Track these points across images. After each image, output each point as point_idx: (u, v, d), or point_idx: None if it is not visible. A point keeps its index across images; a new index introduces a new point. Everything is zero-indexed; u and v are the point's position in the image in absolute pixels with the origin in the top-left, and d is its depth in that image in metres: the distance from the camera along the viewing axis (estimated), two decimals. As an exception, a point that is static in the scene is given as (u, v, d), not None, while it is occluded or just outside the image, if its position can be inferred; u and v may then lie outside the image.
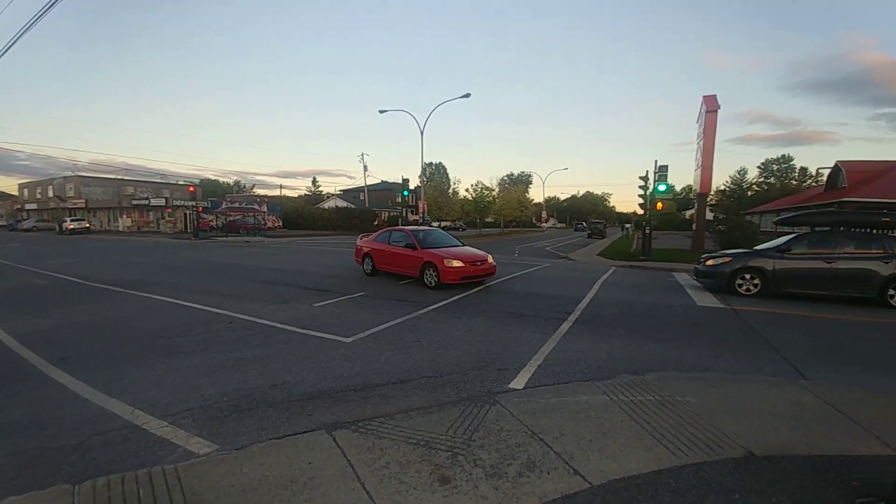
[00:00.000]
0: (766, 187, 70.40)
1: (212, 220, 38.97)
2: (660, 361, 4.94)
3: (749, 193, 71.37)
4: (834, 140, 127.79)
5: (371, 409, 3.58)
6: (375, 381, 4.25)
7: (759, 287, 9.47)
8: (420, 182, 34.05)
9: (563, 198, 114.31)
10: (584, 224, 50.47)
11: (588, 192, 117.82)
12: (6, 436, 3.11)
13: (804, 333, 6.51)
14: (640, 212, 21.81)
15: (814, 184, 59.86)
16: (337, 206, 56.58)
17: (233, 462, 2.76)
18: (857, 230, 9.28)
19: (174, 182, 59.70)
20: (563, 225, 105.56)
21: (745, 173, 77.39)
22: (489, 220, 55.54)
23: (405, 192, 33.94)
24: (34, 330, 5.90)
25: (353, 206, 57.42)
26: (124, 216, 46.55)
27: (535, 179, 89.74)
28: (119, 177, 56.55)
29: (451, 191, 48.03)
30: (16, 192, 64.66)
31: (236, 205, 45.05)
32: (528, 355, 5.05)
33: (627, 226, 52.94)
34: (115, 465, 2.74)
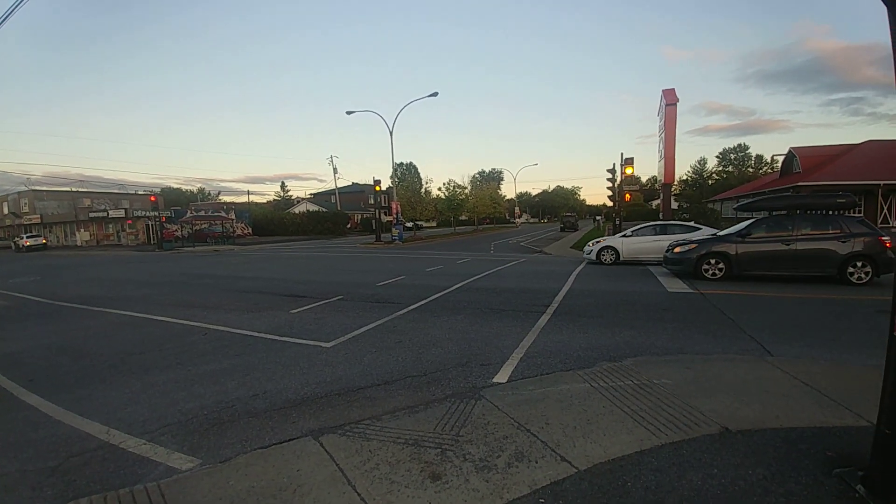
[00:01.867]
0: (725, 176, 73.61)
1: (177, 230, 37.60)
2: (636, 347, 5.11)
3: (710, 182, 74.47)
4: (787, 128, 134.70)
5: (357, 412, 3.56)
6: (360, 383, 4.23)
7: (723, 271, 9.91)
8: (392, 183, 33.86)
9: (534, 193, 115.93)
10: (574, 217, 50.80)
11: (559, 186, 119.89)
12: None
13: (768, 313, 6.87)
14: (610, 204, 22.39)
15: (769, 170, 62.96)
16: (308, 211, 55.59)
17: (218, 475, 2.69)
18: (814, 212, 9.84)
19: (133, 192, 57.16)
20: (536, 220, 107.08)
21: (705, 163, 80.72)
22: (463, 218, 55.77)
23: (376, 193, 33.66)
24: (-7, 354, 5.57)
25: (324, 209, 56.57)
26: (82, 230, 44.34)
27: (506, 176, 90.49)
28: (74, 189, 53.70)
29: (423, 190, 47.83)
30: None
31: (202, 213, 43.60)
32: (509, 349, 5.13)
33: (598, 218, 54.29)
34: (94, 486, 2.63)
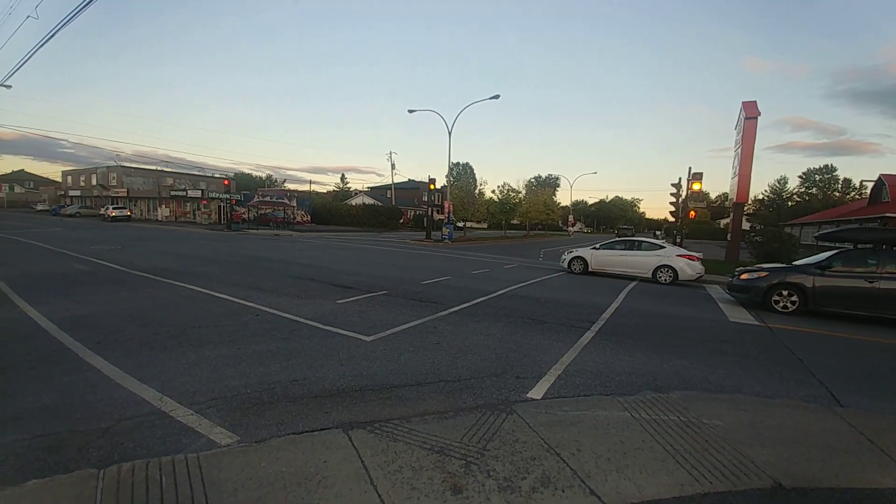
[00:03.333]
0: (807, 198, 67.30)
1: (244, 213, 40.22)
2: (686, 379, 4.77)
3: (789, 204, 68.36)
4: (878, 152, 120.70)
5: (388, 411, 3.60)
6: (393, 382, 4.27)
7: (797, 304, 9.03)
8: (447, 182, 34.10)
9: (591, 202, 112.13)
10: (631, 230, 48.28)
11: (617, 196, 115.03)
12: (36, 419, 3.23)
13: (842, 356, 6.17)
14: (672, 219, 21.14)
15: (857, 196, 56.76)
16: (364, 203, 57.35)
17: (252, 455, 2.82)
18: None
19: (210, 175, 61.95)
20: (591, 230, 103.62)
21: (786, 183, 74.24)
22: (514, 222, 55.10)
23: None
24: (74, 314, 6.21)
25: (379, 203, 58.09)
26: (163, 206, 48.61)
27: (562, 183, 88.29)
28: (159, 168, 59.14)
29: (477, 191, 47.88)
30: (59, 179, 68.46)
31: (268, 198, 46.33)
32: (547, 364, 4.98)
33: (658, 233, 51.54)
34: (140, 451, 2.85)
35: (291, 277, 10.61)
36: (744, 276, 9.92)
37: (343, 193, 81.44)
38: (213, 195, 44.62)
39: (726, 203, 36.02)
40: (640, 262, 13.97)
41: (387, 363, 4.79)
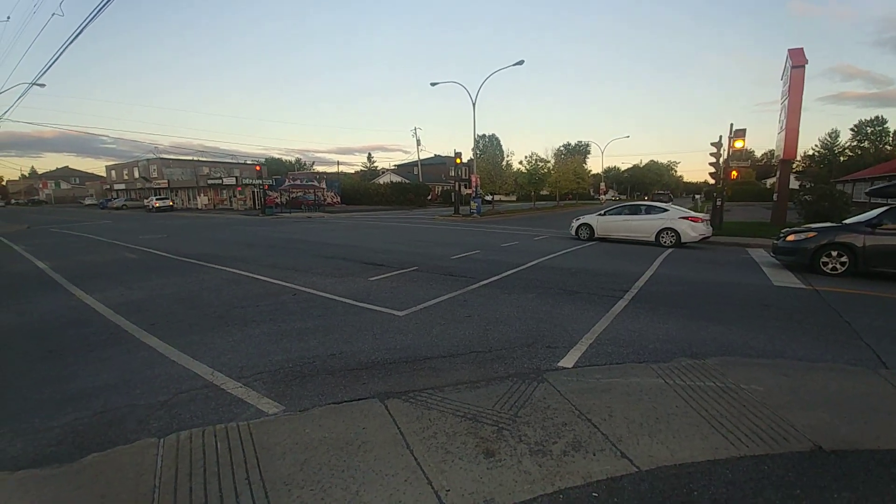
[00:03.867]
0: (859, 152, 62.15)
1: (276, 197, 41.30)
2: (724, 345, 4.66)
3: (841, 159, 63.43)
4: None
5: (421, 381, 3.74)
6: (426, 353, 4.41)
7: (846, 265, 8.53)
8: (473, 155, 33.63)
9: (623, 168, 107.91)
10: (667, 195, 46.06)
11: (652, 161, 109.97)
12: (97, 396, 3.53)
13: (891, 317, 5.83)
14: (713, 181, 20.09)
15: (914, 149, 51.98)
16: (392, 182, 57.57)
17: (297, 422, 3.02)
18: None
19: (243, 162, 63.67)
20: (625, 197, 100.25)
21: (837, 136, 68.64)
22: (544, 192, 53.92)
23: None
24: (127, 300, 6.69)
25: (406, 180, 58.15)
26: (201, 195, 50.58)
27: (593, 149, 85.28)
28: (195, 158, 61.27)
29: (504, 163, 46.95)
30: (104, 174, 72.33)
31: (298, 182, 47.27)
32: (579, 333, 4.98)
33: (698, 196, 49.25)
34: (196, 420, 3.11)
35: (324, 258, 10.93)
36: (790, 238, 9.42)
37: (370, 173, 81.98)
38: (246, 181, 45.99)
39: (773, 161, 33.74)
40: (644, 226, 14.34)
41: (419, 336, 4.93)
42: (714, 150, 18.26)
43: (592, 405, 3.24)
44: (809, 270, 8.87)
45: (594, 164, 78.85)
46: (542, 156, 40.36)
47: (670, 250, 12.76)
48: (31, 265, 10.16)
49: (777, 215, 20.40)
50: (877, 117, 66.02)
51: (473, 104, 29.22)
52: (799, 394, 3.42)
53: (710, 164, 18.47)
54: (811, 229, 9.37)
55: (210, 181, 49.53)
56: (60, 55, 17.02)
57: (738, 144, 17.39)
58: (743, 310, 6.15)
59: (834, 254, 8.66)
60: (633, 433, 2.87)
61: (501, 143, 59.00)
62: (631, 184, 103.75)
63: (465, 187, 33.59)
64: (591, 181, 70.33)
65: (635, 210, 15.02)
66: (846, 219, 10.07)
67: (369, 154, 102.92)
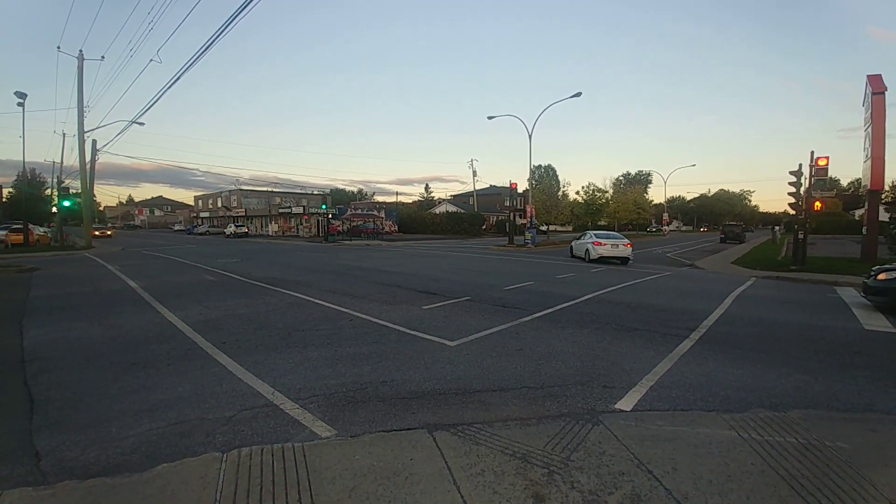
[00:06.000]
0: (971, 181, 54.34)
1: (339, 226, 43.53)
2: (808, 396, 4.17)
3: (949, 188, 55.81)
4: None
5: (470, 415, 3.68)
6: (476, 386, 4.35)
7: None
8: (528, 185, 33.58)
9: (689, 197, 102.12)
10: (739, 227, 41.93)
11: (722, 189, 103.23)
12: (172, 407, 3.81)
13: None
14: (793, 212, 18.42)
15: None
16: (447, 211, 58.71)
17: (348, 448, 3.09)
18: None
19: (311, 192, 68.23)
20: (690, 228, 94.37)
21: (947, 162, 60.53)
22: (602, 223, 52.29)
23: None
24: (205, 318, 7.27)
25: (462, 210, 59.03)
26: (272, 222, 54.55)
27: (655, 179, 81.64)
28: (270, 189, 66.60)
29: (560, 193, 46.33)
30: (192, 203, 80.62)
31: (359, 211, 49.63)
32: (639, 374, 4.68)
33: (777, 228, 45.22)
34: (256, 438, 3.27)
35: (380, 284, 11.26)
36: (881, 277, 8.37)
37: (427, 202, 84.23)
38: (312, 210, 49.05)
39: (860, 191, 30.46)
40: (580, 245, 19.52)
41: (469, 367, 4.89)
42: (794, 178, 16.84)
43: (654, 455, 3.01)
44: None
45: (656, 194, 75.35)
46: (600, 186, 39.42)
47: (747, 286, 11.75)
48: (123, 284, 11.41)
49: (867, 250, 18.20)
50: None
51: (530, 136, 29.45)
52: (885, 450, 2.97)
53: (790, 193, 17.00)
54: None
55: (280, 210, 53.44)
56: (159, 98, 19.58)
57: (822, 163, 15.88)
58: (830, 356, 5.48)
59: None
60: (701, 491, 2.62)
61: (557, 173, 58.38)
62: (698, 214, 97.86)
63: (520, 217, 33.45)
64: (652, 211, 67.21)
65: (581, 235, 20.65)
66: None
67: (426, 184, 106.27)
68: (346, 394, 4.13)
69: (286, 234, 51.36)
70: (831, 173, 16.29)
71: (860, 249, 19.71)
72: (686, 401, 4.04)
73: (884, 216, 27.42)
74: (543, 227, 40.59)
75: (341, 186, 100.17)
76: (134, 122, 25.56)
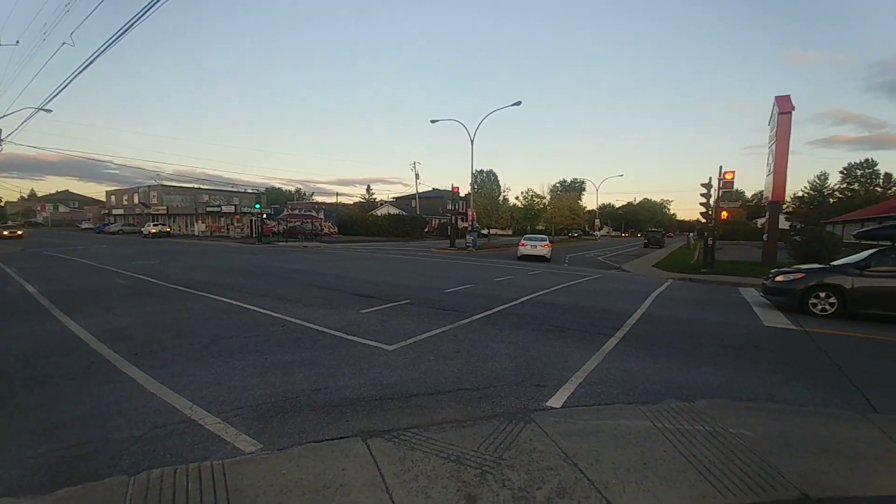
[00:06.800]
0: (849, 194, 63.75)
1: (274, 226, 41.48)
2: (715, 387, 4.61)
3: (831, 200, 64.87)
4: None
5: (406, 419, 3.65)
6: (413, 390, 4.32)
7: (835, 307, 8.58)
8: (470, 190, 34.20)
9: (617, 205, 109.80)
10: (660, 233, 45.81)
11: (646, 199, 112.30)
12: (72, 428, 3.39)
13: (881, 360, 5.85)
14: (704, 220, 20.43)
15: (904, 191, 53.43)
16: (389, 213, 58.18)
17: (274, 462, 2.92)
18: None
19: (243, 190, 64.42)
20: (618, 233, 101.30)
21: (827, 179, 70.59)
22: (540, 227, 54.54)
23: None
24: (113, 327, 6.57)
25: (404, 212, 58.76)
26: (199, 222, 50.74)
27: (588, 187, 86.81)
28: (196, 186, 61.85)
29: (501, 198, 47.70)
30: (103, 199, 72.77)
31: (296, 212, 47.66)
32: (569, 372, 4.92)
33: (690, 234, 49.83)
34: (171, 458, 3.00)
35: (317, 288, 10.87)
36: (779, 278, 9.51)
37: (369, 204, 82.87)
38: (245, 210, 46.29)
39: (762, 202, 34.57)
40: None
41: (407, 372, 4.85)
42: (704, 190, 18.65)
43: (580, 448, 3.17)
44: (798, 311, 8.90)
45: (589, 201, 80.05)
46: (538, 192, 41.13)
47: (663, 287, 12.80)
48: (20, 288, 10.03)
49: (767, 255, 20.65)
50: (867, 160, 68.13)
51: (472, 141, 30.01)
52: (787, 439, 3.36)
53: (702, 203, 18.81)
54: (800, 270, 9.48)
55: (209, 208, 49.85)
56: (69, 83, 17.41)
57: (728, 176, 17.71)
58: (734, 351, 6.12)
59: (822, 295, 8.73)
60: (620, 479, 2.79)
61: (499, 178, 60.04)
62: (625, 220, 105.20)
63: (462, 220, 33.96)
64: (586, 217, 71.33)
65: (533, 238, 24.43)
66: (835, 260, 10.20)
67: (368, 186, 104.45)
68: (275, 404, 3.92)
69: (215, 234, 48.01)
70: (737, 186, 18.35)
71: (761, 254, 22.28)
72: (610, 395, 4.29)
73: (784, 224, 31.23)
74: (485, 231, 41.58)
75: (278, 185, 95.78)
76: (41, 108, 22.57)
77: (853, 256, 9.38)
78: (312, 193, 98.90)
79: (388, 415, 3.74)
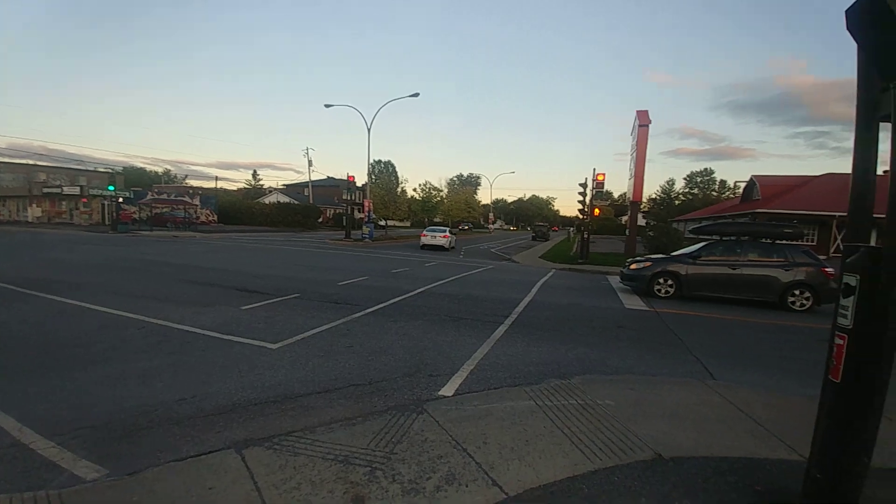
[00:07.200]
0: (690, 197, 76.78)
1: (135, 212, 35.82)
2: (587, 365, 5.13)
3: (676, 202, 77.39)
4: (753, 156, 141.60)
5: (290, 423, 3.38)
6: (300, 390, 4.04)
7: (673, 290, 10.23)
8: (367, 180, 33.43)
9: (510, 200, 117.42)
10: (546, 227, 50.78)
11: (534, 195, 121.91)
12: None
13: (716, 335, 7.09)
14: (581, 216, 22.85)
15: (731, 195, 66.13)
16: (279, 202, 54.22)
17: (121, 489, 2.47)
18: (762, 240, 10.28)
19: (93, 169, 54.17)
20: (510, 227, 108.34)
21: (674, 184, 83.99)
22: (437, 220, 55.72)
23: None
24: None
25: (296, 201, 55.33)
26: (34, 205, 41.56)
27: (483, 182, 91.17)
28: (31, 162, 50.30)
29: (399, 190, 47.47)
30: None
31: (165, 196, 41.77)
32: (461, 360, 5.05)
33: (570, 229, 55.36)
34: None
35: (190, 283, 9.63)
36: (633, 267, 11.06)
37: (255, 191, 76.01)
38: (94, 192, 39.17)
39: (626, 202, 39.98)
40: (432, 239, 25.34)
41: (293, 371, 4.52)
42: (581, 189, 20.79)
43: (469, 433, 3.25)
44: (647, 294, 10.42)
45: (484, 196, 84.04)
46: (436, 185, 41.87)
47: (548, 276, 13.97)
48: None
49: (629, 248, 23.86)
50: (706, 169, 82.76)
51: (368, 129, 29.29)
52: (643, 406, 3.86)
53: (579, 201, 20.94)
54: (648, 259, 11.16)
55: (46, 190, 41.08)
56: None
57: (600, 177, 19.99)
58: (603, 331, 6.90)
59: (664, 280, 10.34)
60: (505, 458, 2.92)
61: (397, 169, 59.58)
62: (516, 215, 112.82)
63: (359, 211, 33.09)
64: (481, 211, 74.82)
65: (433, 230, 26.66)
66: (673, 252, 12.17)
67: (254, 171, 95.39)
68: (126, 421, 3.33)
69: (54, 220, 39.81)
70: (607, 187, 21.00)
71: (625, 247, 25.62)
72: (498, 379, 4.51)
73: (641, 222, 36.30)
74: (382, 222, 41.06)
75: (141, 165, 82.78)
76: None
77: (689, 248, 11.26)
78: (186, 177, 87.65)
79: (270, 420, 3.43)
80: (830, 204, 23.98)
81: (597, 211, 20.97)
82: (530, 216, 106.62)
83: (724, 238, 10.72)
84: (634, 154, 23.92)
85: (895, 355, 1.84)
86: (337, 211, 61.56)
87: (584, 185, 20.76)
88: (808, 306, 9.42)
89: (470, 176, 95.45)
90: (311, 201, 57.01)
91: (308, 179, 59.60)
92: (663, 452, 3.08)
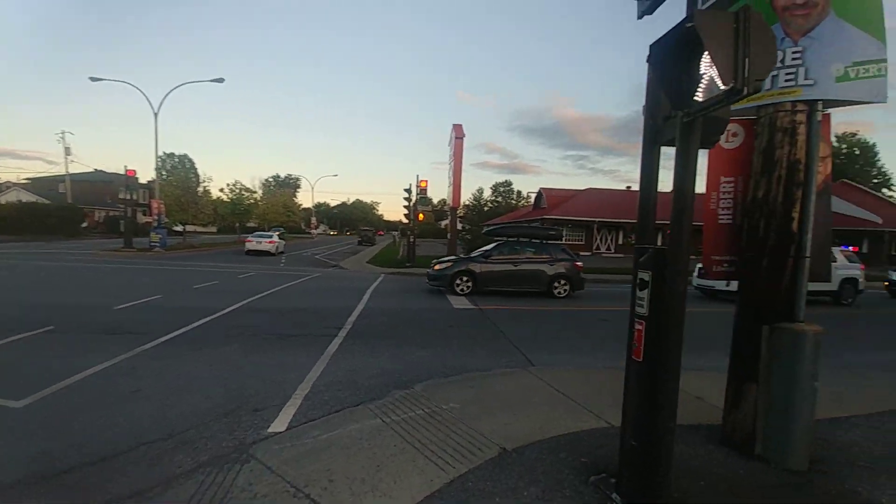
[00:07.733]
0: (495, 205, 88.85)
1: None
2: (427, 369, 5.16)
3: (485, 209, 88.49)
4: (539, 172, 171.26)
5: (40, 520, 2.34)
6: (63, 464, 2.88)
7: (470, 287, 11.50)
8: (156, 175, 27.63)
9: (333, 204, 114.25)
10: (371, 231, 51.75)
11: (358, 199, 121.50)
12: None
13: (527, 325, 8.13)
14: (406, 221, 23.68)
15: (526, 203, 78.96)
16: (21, 201, 40.36)
17: None
18: (535, 241, 12.44)
19: None
20: (335, 232, 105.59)
21: (482, 192, 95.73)
22: (251, 224, 50.19)
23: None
24: None
25: (47, 200, 42.16)
26: None
27: (304, 184, 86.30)
28: None
29: (201, 189, 40.51)
30: None
31: None
32: (293, 385, 4.45)
33: (395, 233, 56.98)
34: None
35: None
36: (437, 267, 12.04)
37: (-24, 186, 54.47)
38: None
39: (445, 208, 43.59)
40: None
41: (50, 437, 3.22)
42: (406, 194, 21.53)
43: (311, 473, 2.80)
44: (450, 292, 11.41)
45: (305, 199, 79.56)
46: (249, 185, 37.55)
47: (378, 281, 13.90)
48: None
49: (450, 250, 25.88)
50: (506, 180, 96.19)
51: (156, 115, 24.27)
52: (483, 402, 4.05)
53: (404, 206, 21.63)
54: (450, 259, 12.34)
55: None
56: None
57: (423, 185, 21.12)
58: (436, 333, 7.14)
59: (463, 278, 11.56)
60: (356, 494, 2.60)
61: (197, 165, 50.92)
62: (340, 219, 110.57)
63: (144, 214, 27.08)
64: (301, 215, 70.48)
65: (261, 235, 26.87)
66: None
67: (-28, 159, 67.89)
68: None
69: None
70: (428, 193, 22.06)
71: (446, 250, 27.67)
72: (338, 400, 4.11)
73: (459, 226, 39.96)
74: (179, 227, 34.39)
75: None
76: None
77: (483, 248, 12.80)
78: None
79: (1, 523, 2.32)
80: (593, 212, 31.04)
81: (421, 216, 22.05)
82: (355, 220, 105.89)
83: (509, 239, 12.54)
84: (452, 164, 26.08)
85: (682, 335, 2.27)
86: (111, 213, 49.31)
87: (408, 191, 21.55)
88: (566, 294, 11.71)
89: (289, 177, 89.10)
90: (70, 200, 43.99)
91: (66, 172, 45.84)
92: (507, 445, 3.23)
